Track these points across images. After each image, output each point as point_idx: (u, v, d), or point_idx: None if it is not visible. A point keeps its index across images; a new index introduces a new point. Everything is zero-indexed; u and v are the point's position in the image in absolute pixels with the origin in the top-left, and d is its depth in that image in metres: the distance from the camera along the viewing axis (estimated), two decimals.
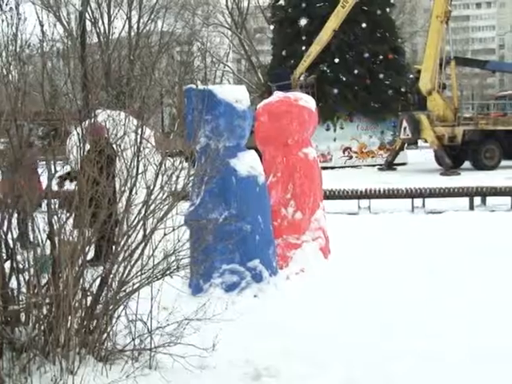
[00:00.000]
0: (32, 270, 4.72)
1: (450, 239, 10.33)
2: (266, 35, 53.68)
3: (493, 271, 8.17)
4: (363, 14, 31.46)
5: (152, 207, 5.07)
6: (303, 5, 32.17)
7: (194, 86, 7.34)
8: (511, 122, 29.11)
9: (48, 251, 4.80)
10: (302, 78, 30.89)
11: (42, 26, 4.55)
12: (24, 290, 4.73)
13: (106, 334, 4.92)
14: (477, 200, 15.19)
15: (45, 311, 4.65)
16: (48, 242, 4.81)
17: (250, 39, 54.67)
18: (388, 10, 33.77)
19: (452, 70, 29.25)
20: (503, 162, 27.78)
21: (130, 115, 5.31)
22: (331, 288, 7.56)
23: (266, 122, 8.82)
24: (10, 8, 4.47)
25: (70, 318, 4.60)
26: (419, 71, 29.12)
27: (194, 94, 7.01)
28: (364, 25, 31.68)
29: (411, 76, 33.14)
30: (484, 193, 15.22)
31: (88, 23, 46.44)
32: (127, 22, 53.41)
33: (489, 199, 15.33)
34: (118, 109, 5.46)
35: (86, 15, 38.45)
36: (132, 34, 53.39)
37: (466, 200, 14.97)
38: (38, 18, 4.53)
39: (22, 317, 4.70)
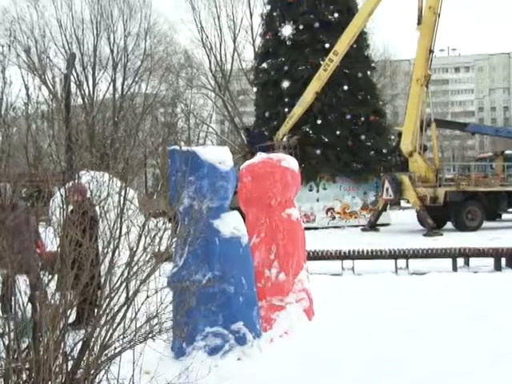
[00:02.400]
0: (12, 335, 4.63)
1: (434, 302, 10.28)
2: (249, 97, 54.34)
3: (475, 335, 8.11)
4: (345, 76, 32.00)
5: (135, 269, 5.03)
6: (285, 67, 32.68)
7: (177, 148, 7.37)
8: (492, 183, 29.41)
9: (29, 315, 4.73)
10: (284, 139, 31.16)
11: (27, 89, 4.59)
12: (3, 354, 4.63)
13: None
14: (460, 261, 15.21)
15: (24, 377, 4.55)
16: (29, 305, 4.74)
17: (233, 101, 55.33)
18: (369, 73, 34.35)
19: (433, 131, 29.64)
20: (485, 223, 27.94)
21: (113, 176, 5.31)
22: (316, 350, 7.47)
23: (249, 182, 8.84)
24: None
25: (50, 383, 4.50)
26: (400, 133, 29.49)
27: (178, 155, 7.03)
28: (346, 87, 32.18)
29: (393, 137, 33.56)
30: (467, 254, 15.24)
31: (73, 85, 46.84)
32: (112, 85, 53.96)
33: (472, 260, 15.36)
34: (102, 170, 5.46)
35: (71, 78, 38.76)
36: (116, 95, 53.86)
37: (449, 261, 14.98)
38: (24, 81, 4.57)
39: (1, 383, 4.59)
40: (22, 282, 4.76)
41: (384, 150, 32.77)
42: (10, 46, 4.74)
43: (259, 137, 32.21)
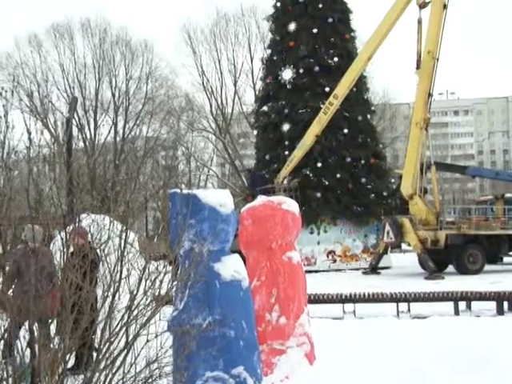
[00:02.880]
0: (11, 380, 4.58)
1: (436, 346, 10.17)
2: (249, 140, 54.65)
3: (478, 381, 8.00)
4: (345, 120, 32.23)
5: (135, 313, 4.99)
6: (286, 111, 32.91)
7: (178, 191, 7.38)
8: (493, 226, 29.36)
9: (27, 359, 4.68)
10: (285, 182, 31.22)
11: (29, 133, 4.62)
12: None
13: None
14: (462, 305, 15.11)
15: None
16: (28, 349, 4.70)
17: (234, 144, 55.66)
18: (369, 116, 34.59)
19: (433, 174, 29.69)
20: (486, 267, 27.81)
21: (114, 219, 5.31)
22: None
23: (249, 225, 8.82)
24: None
25: None
26: (401, 176, 29.55)
27: (179, 199, 7.03)
28: (346, 130, 32.38)
29: (393, 180, 33.64)
30: (469, 297, 15.15)
31: (74, 129, 47.18)
32: (113, 128, 54.34)
33: (474, 304, 15.25)
34: (103, 213, 5.46)
35: (73, 121, 39.04)
36: (118, 139, 54.21)
37: (450, 305, 14.89)
38: (26, 125, 4.60)
39: None
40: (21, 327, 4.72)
41: (384, 193, 32.81)
42: (13, 91, 4.79)
43: (260, 179, 32.30)
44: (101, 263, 5.16)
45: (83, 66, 54.35)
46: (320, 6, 33.21)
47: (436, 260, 27.20)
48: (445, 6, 27.29)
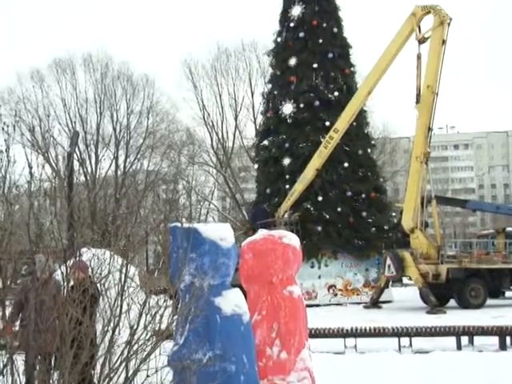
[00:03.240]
0: None
1: (438, 382, 10.09)
2: (250, 174, 54.76)
3: None
4: (345, 154, 32.32)
5: (135, 347, 4.96)
6: (286, 145, 33.03)
7: (179, 224, 7.38)
8: (494, 260, 29.27)
9: None
10: (286, 216, 31.21)
11: (30, 167, 4.64)
12: None
13: None
14: (464, 339, 15.00)
15: None
16: None
17: (235, 177, 55.76)
18: (369, 150, 34.70)
19: (433, 208, 29.69)
20: (488, 301, 27.68)
21: (115, 254, 5.30)
22: None
23: (250, 259, 8.80)
24: (0, 151, 4.57)
25: None
26: (401, 210, 29.54)
27: (179, 232, 7.02)
28: (346, 164, 32.45)
29: (394, 214, 33.61)
30: (471, 332, 15.04)
31: (76, 163, 47.30)
32: (114, 162, 54.52)
33: (476, 339, 15.14)
34: (104, 247, 5.46)
35: (74, 156, 39.18)
36: (118, 173, 54.35)
37: (453, 339, 14.78)
38: (27, 159, 4.63)
39: None
40: (20, 362, 4.69)
41: (385, 227, 32.77)
42: (14, 125, 4.82)
43: (262, 213, 32.28)
44: (101, 297, 5.15)
45: (85, 101, 54.73)
46: (320, 41, 33.52)
47: (437, 294, 27.08)
48: (444, 42, 27.56)
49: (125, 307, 5.03)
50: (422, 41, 28.23)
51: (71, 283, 5.06)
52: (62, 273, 4.93)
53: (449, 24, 27.58)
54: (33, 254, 4.98)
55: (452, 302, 27.94)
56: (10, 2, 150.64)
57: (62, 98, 54.62)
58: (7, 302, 4.92)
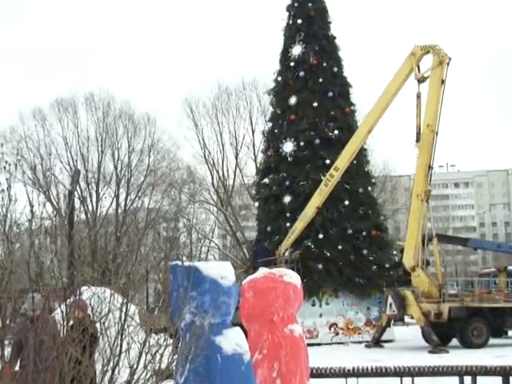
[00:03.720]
0: None
1: None
2: (250, 211, 54.76)
3: None
4: (346, 191, 32.37)
5: None
6: (287, 183, 33.10)
7: (179, 263, 7.36)
8: (496, 299, 29.12)
9: None
10: (286, 254, 31.15)
11: (31, 206, 4.65)
12: None
13: None
14: (467, 379, 14.84)
15: None
16: None
17: (236, 215, 55.75)
18: (370, 188, 34.76)
19: (435, 246, 29.63)
20: (491, 340, 27.47)
21: (115, 292, 5.28)
22: None
23: (251, 298, 8.77)
24: (2, 190, 4.58)
25: None
26: (402, 248, 29.48)
27: (180, 271, 7.01)
28: (347, 202, 32.47)
29: (395, 252, 33.52)
30: (474, 372, 14.88)
31: (76, 201, 47.39)
32: (115, 200, 54.57)
33: (479, 379, 14.97)
34: (104, 285, 5.44)
35: (75, 194, 39.26)
36: (119, 210, 54.37)
37: (455, 379, 14.62)
38: (29, 198, 4.64)
39: None
40: None
41: (386, 265, 32.66)
42: (16, 164, 4.84)
43: (263, 251, 32.21)
44: (101, 336, 5.11)
45: (86, 139, 54.98)
46: (320, 80, 33.81)
47: (440, 333, 26.89)
48: (443, 81, 27.78)
49: (125, 346, 5.00)
50: (421, 80, 28.45)
51: (71, 322, 5.03)
52: (62, 312, 4.90)
53: (448, 64, 27.83)
54: (33, 292, 4.96)
55: (454, 341, 27.73)
56: (13, 42, 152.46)
57: (64, 137, 54.92)
58: (6, 342, 4.89)
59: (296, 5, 35.38)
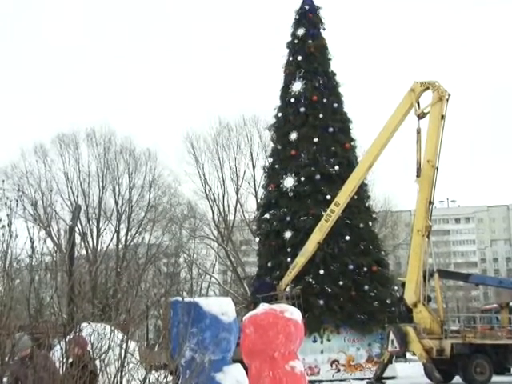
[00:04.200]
0: None
1: None
2: (251, 247, 54.62)
3: None
4: (346, 227, 32.34)
5: None
6: (288, 218, 33.07)
7: (179, 298, 7.35)
8: (499, 336, 28.89)
9: None
10: (287, 290, 31.00)
11: (32, 241, 4.65)
12: None
13: None
14: None
15: None
16: None
17: (236, 251, 55.62)
18: (370, 223, 34.71)
19: (436, 282, 29.50)
20: (494, 378, 27.20)
21: (115, 328, 5.26)
22: None
23: (251, 334, 8.72)
24: (3, 226, 4.59)
25: None
26: (404, 283, 29.33)
27: (180, 307, 7.00)
28: (348, 237, 32.41)
29: (396, 288, 33.36)
30: None
31: (77, 237, 47.34)
32: (115, 235, 54.53)
33: None
34: (104, 322, 5.41)
35: (76, 229, 39.23)
36: (120, 246, 54.31)
37: None
38: (29, 234, 4.64)
39: None
40: None
41: (388, 301, 32.46)
42: (17, 200, 4.85)
43: (266, 286, 32.02)
44: (100, 374, 5.08)
45: (87, 175, 55.12)
46: (320, 116, 33.98)
47: (442, 370, 26.64)
48: (443, 117, 27.90)
49: (124, 383, 4.96)
50: (421, 116, 28.60)
51: (70, 359, 5.00)
52: (61, 348, 4.87)
53: (447, 100, 27.98)
54: (32, 329, 4.94)
55: (457, 379, 27.47)
56: (14, 77, 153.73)
57: (65, 172, 55.06)
58: (5, 379, 4.85)
59: (296, 42, 35.73)
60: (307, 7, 36.05)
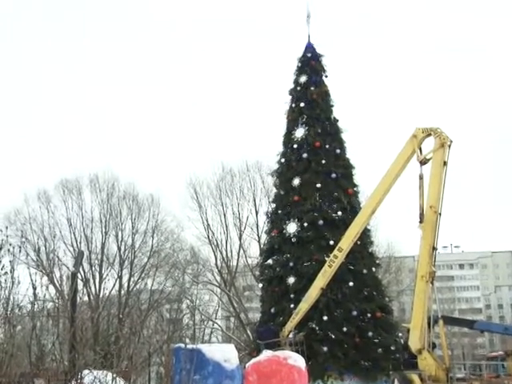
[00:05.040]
0: None
1: None
2: (254, 293, 54.43)
3: None
4: (350, 272, 32.18)
5: None
6: (291, 264, 32.96)
7: (182, 345, 7.31)
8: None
9: None
10: (290, 336, 30.73)
11: (34, 288, 4.64)
12: None
13: None
14: None
15: None
16: None
17: (239, 297, 55.43)
18: (374, 269, 34.56)
19: (441, 328, 29.26)
20: None
21: (117, 376, 5.22)
22: None
23: (254, 381, 8.65)
24: (5, 272, 4.60)
25: None
26: (408, 330, 29.10)
27: (183, 353, 6.95)
28: (351, 283, 32.22)
29: (400, 334, 33.07)
30: None
31: (79, 283, 47.21)
32: (118, 281, 54.41)
33: None
34: (106, 369, 5.38)
35: (78, 275, 39.14)
36: (122, 291, 54.14)
37: None
38: (32, 280, 4.64)
39: None
40: None
41: (392, 347, 32.11)
42: (20, 246, 4.87)
43: (270, 332, 31.73)
44: None
45: (90, 221, 55.24)
46: (323, 161, 34.11)
47: None
48: (445, 163, 27.98)
49: None
50: (423, 162, 28.68)
51: None
52: None
53: (449, 146, 28.09)
54: (33, 376, 4.91)
55: None
56: (17, 122, 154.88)
57: (68, 218, 55.21)
58: None
59: (299, 88, 36.07)
60: (309, 55, 36.48)
